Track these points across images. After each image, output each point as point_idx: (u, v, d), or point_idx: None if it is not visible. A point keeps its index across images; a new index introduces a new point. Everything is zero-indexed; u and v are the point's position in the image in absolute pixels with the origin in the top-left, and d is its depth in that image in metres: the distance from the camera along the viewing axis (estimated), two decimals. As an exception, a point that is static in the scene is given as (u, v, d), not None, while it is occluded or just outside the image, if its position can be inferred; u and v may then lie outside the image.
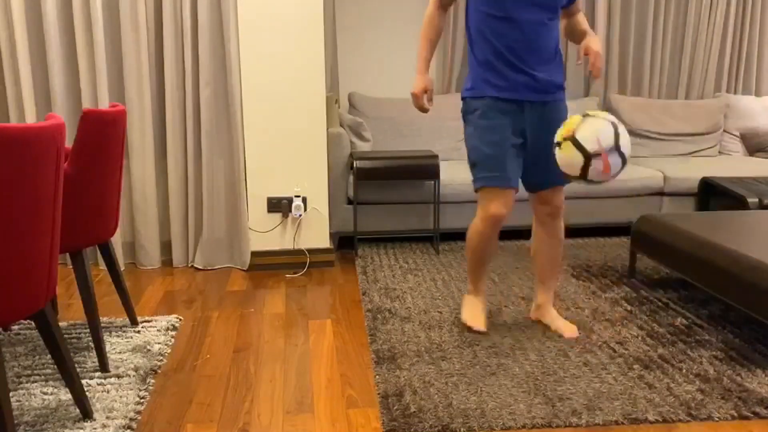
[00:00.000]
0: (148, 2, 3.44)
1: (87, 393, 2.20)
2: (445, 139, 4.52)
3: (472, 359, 2.44)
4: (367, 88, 4.81)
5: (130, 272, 3.59)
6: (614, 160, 2.18)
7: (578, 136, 2.19)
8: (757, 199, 3.72)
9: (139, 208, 3.59)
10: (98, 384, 2.27)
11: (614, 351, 2.52)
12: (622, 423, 2.02)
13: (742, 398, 2.16)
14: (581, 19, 2.62)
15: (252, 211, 3.62)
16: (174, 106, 3.51)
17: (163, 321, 2.86)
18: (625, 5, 4.89)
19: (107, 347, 2.58)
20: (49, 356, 2.49)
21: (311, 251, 3.68)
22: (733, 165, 4.42)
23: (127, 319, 2.86)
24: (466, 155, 2.63)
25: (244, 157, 3.56)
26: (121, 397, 2.18)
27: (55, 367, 2.37)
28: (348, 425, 2.04)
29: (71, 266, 2.71)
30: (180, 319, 2.91)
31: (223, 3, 3.38)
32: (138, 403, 2.15)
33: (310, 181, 3.63)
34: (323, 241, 3.70)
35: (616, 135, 2.19)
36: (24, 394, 2.20)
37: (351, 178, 3.87)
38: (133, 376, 2.34)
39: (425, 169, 3.85)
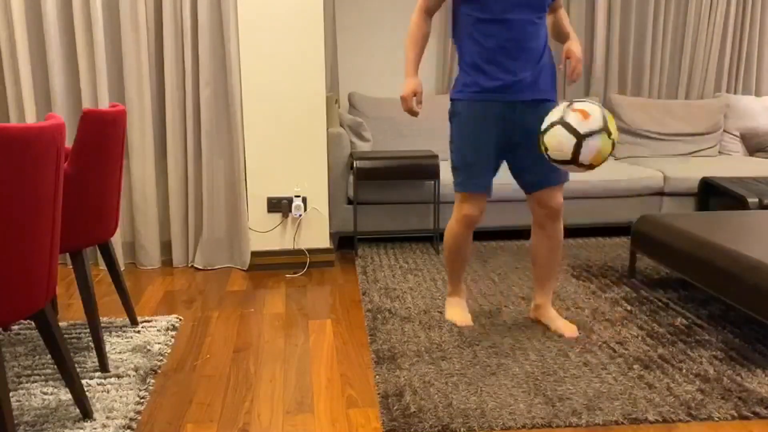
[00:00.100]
0: (148, 2, 3.44)
1: (87, 393, 2.20)
2: (445, 139, 4.47)
3: (472, 359, 2.44)
4: (367, 88, 4.82)
5: (130, 272, 3.59)
6: (604, 141, 2.21)
7: (569, 120, 2.22)
8: (757, 199, 3.72)
9: (139, 208, 3.59)
10: (98, 384, 2.27)
11: (614, 351, 2.52)
12: (622, 423, 2.02)
13: (742, 398, 2.16)
14: (564, 17, 2.65)
15: (252, 211, 3.62)
16: (174, 106, 3.52)
17: (163, 321, 2.86)
18: (625, 5, 4.89)
19: (107, 347, 2.58)
20: (49, 356, 2.49)
21: (311, 251, 3.68)
22: (733, 165, 4.42)
23: (127, 319, 2.86)
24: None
25: (244, 157, 3.56)
26: (121, 397, 2.18)
27: (55, 367, 2.37)
28: (348, 425, 2.04)
29: (71, 266, 2.71)
30: (180, 319, 2.91)
31: (223, 3, 3.38)
32: (138, 403, 2.15)
33: (310, 181, 3.63)
34: (323, 241, 3.71)
35: (604, 117, 2.23)
36: (24, 394, 2.20)
37: (351, 178, 3.87)
38: (133, 376, 2.34)
39: (425, 169, 3.85)
